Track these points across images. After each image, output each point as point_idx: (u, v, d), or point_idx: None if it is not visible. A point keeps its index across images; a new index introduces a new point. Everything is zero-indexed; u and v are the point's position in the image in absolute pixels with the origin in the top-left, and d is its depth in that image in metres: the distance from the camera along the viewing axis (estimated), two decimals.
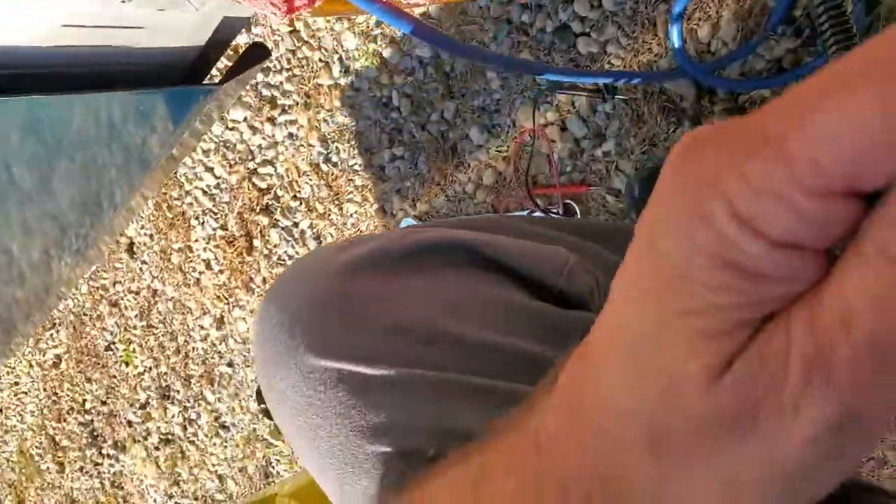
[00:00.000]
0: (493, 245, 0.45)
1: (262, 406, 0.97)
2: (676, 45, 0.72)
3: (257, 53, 0.57)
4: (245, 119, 1.35)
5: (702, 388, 0.15)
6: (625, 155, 0.89)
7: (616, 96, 0.87)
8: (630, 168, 0.89)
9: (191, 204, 1.53)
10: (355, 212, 1.23)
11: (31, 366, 2.23)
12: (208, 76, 0.63)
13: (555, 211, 0.93)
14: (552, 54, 0.92)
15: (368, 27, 1.12)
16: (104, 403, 1.94)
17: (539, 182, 0.97)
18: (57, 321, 2.07)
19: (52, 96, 0.54)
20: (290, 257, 1.36)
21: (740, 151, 0.13)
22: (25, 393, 2.29)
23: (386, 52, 1.10)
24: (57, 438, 2.18)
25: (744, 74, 0.77)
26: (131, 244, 1.73)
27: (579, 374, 0.18)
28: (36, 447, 2.30)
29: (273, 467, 1.47)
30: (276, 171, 1.34)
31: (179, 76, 0.62)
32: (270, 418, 0.95)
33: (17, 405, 2.35)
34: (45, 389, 2.19)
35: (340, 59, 1.17)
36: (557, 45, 0.91)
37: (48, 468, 2.26)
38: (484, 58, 0.73)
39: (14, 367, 2.31)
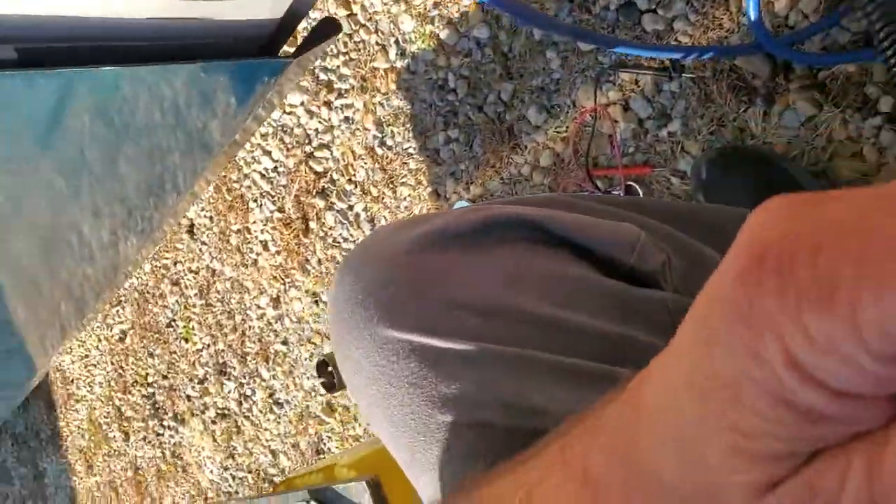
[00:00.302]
0: (557, 220, 0.44)
1: (322, 380, 0.99)
2: (753, 17, 0.69)
3: (328, 28, 0.57)
4: (302, 103, 1.36)
5: (742, 501, 0.14)
6: (691, 136, 0.85)
7: (683, 75, 0.83)
8: (697, 149, 0.85)
9: (249, 187, 1.56)
10: (408, 195, 1.23)
11: (99, 340, 2.33)
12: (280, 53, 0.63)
13: (616, 193, 0.91)
14: (616, 32, 0.89)
15: (426, 9, 1.11)
16: (165, 377, 2.01)
17: (599, 163, 0.94)
18: (122, 298, 2.15)
19: (136, 67, 0.55)
20: (345, 239, 1.37)
21: (805, 299, 0.12)
22: (94, 365, 2.40)
23: (443, 34, 1.09)
24: (122, 409, 2.28)
25: (825, 49, 0.73)
26: (191, 225, 1.78)
27: (631, 419, 0.18)
28: (104, 416, 2.42)
29: (324, 444, 1.49)
30: (332, 154, 1.35)
31: (256, 50, 0.62)
32: (329, 391, 0.97)
33: (87, 376, 2.47)
34: (111, 362, 2.29)
35: (397, 41, 1.17)
36: (622, 22, 0.88)
37: (114, 436, 2.37)
38: (556, 27, 0.71)
39: (84, 341, 2.43)
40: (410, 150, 1.20)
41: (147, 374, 2.11)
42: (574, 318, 0.42)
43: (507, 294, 0.42)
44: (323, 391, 1.49)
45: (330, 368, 0.98)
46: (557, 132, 0.98)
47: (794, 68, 0.76)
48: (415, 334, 0.40)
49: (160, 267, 1.93)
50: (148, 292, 2.02)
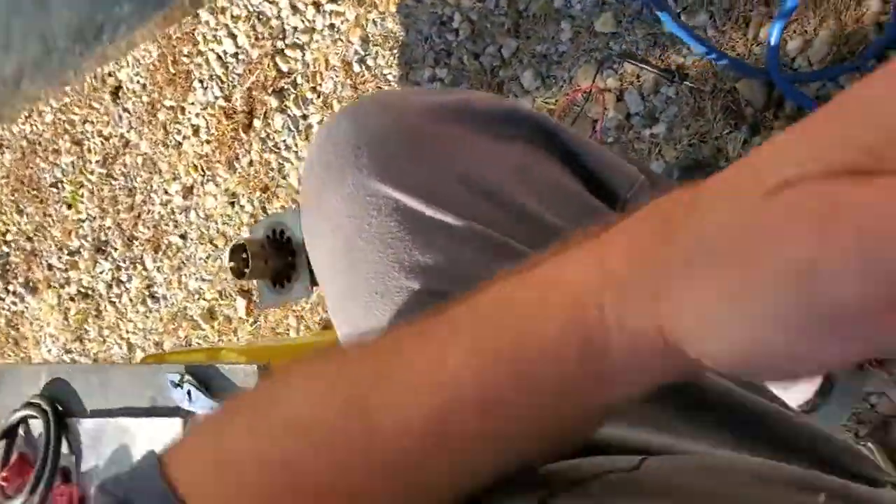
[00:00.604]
0: (576, 141, 0.45)
1: (232, 265, 0.92)
2: (773, 42, 0.72)
3: None
4: None
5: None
6: (671, 142, 0.88)
7: (684, 82, 0.86)
8: (671, 156, 0.88)
9: (200, 65, 1.45)
10: None
11: None
12: None
13: None
14: (635, 24, 0.91)
15: None
16: (29, 239, 1.81)
17: None
18: (5, 143, 1.93)
19: None
20: (288, 147, 1.30)
21: None
22: None
23: None
24: None
25: (818, 97, 0.78)
26: (118, 87, 1.63)
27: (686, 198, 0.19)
28: None
29: None
30: (303, 57, 1.28)
31: None
32: (238, 278, 0.90)
33: None
34: None
35: None
36: (644, 16, 0.89)
37: None
38: None
39: None
40: (390, 77, 1.16)
41: (8, 231, 1.89)
42: (567, 226, 0.42)
43: (512, 186, 0.41)
44: (208, 297, 1.40)
45: (245, 255, 0.92)
46: (546, 102, 0.99)
47: (785, 107, 0.81)
48: (405, 195, 0.38)
49: (65, 121, 1.75)
50: (40, 144, 1.82)
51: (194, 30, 1.46)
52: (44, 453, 0.67)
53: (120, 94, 1.63)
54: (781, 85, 0.76)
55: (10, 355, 1.83)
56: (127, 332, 1.55)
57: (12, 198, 1.89)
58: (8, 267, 1.87)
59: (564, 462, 0.25)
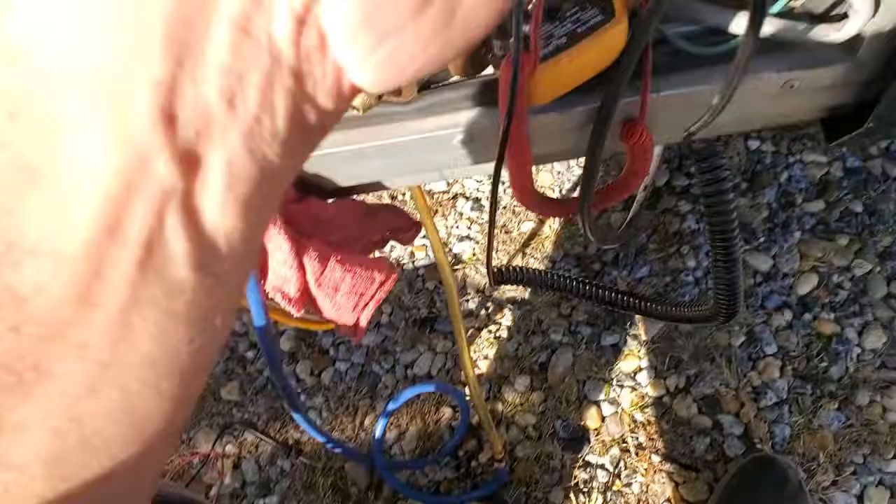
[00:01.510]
0: None
1: None
2: (377, 436, 0.85)
3: None
4: None
5: None
6: None
7: (300, 458, 0.92)
8: None
9: None
10: None
11: None
12: None
13: None
14: (259, 396, 0.97)
15: None
16: None
17: None
18: None
19: None
20: None
21: None
22: None
23: None
24: None
25: (408, 483, 0.91)
26: None
27: None
28: None
29: None
30: None
31: None
32: None
33: None
34: None
35: None
36: (268, 390, 0.97)
37: None
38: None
39: None
40: None
41: None
42: None
43: None
44: None
45: None
46: None
47: (384, 489, 0.92)
48: None
49: None
50: None
51: None
52: None
53: None
54: (381, 471, 0.88)
55: None
56: None
57: None
58: None
59: None
